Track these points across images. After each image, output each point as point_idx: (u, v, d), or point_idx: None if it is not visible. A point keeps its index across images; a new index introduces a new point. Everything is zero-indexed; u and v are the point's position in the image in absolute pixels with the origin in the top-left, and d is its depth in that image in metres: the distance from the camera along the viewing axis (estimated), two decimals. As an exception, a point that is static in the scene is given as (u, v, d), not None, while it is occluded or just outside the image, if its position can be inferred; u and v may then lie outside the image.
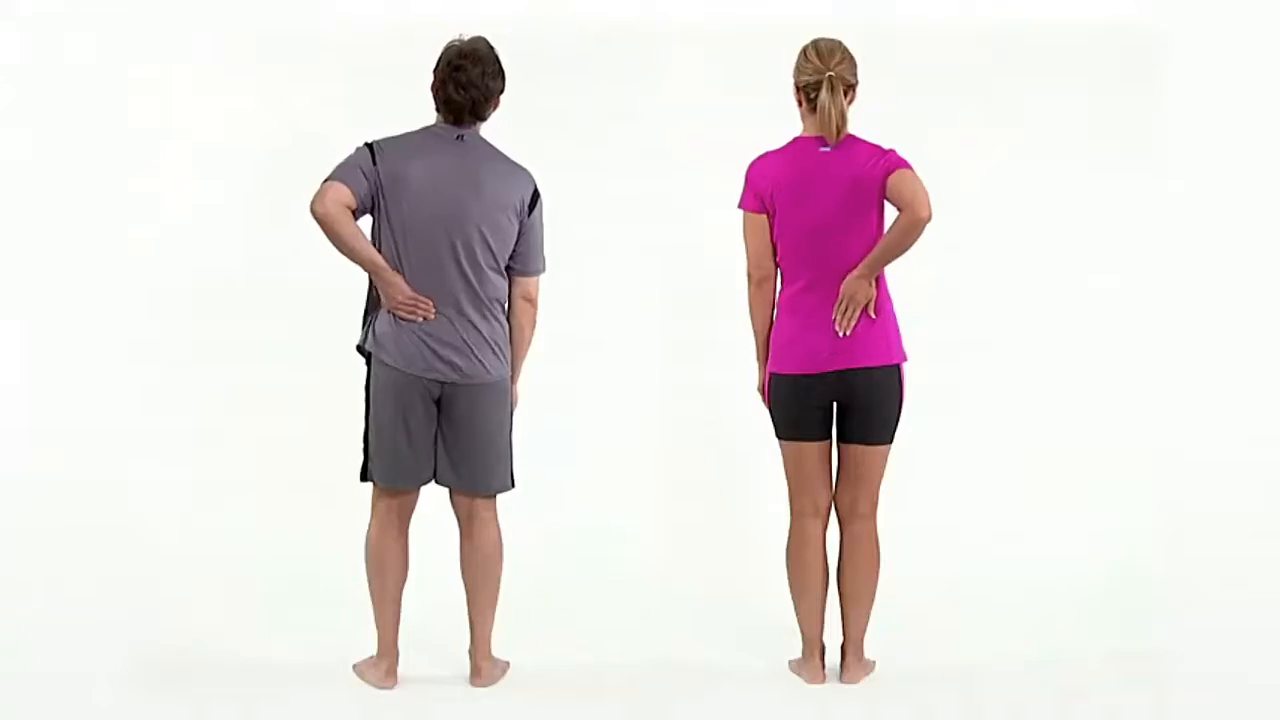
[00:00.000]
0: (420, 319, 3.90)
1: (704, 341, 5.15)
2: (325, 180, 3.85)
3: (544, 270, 4.08)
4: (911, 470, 4.46)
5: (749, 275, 4.07)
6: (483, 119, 3.98)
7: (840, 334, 3.95)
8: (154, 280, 5.09)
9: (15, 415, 4.85)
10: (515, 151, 4.02)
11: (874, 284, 3.94)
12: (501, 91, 3.95)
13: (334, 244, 3.85)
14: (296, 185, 4.03)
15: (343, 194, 3.82)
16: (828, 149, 3.94)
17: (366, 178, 3.86)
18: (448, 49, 3.93)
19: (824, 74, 3.90)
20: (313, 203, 3.80)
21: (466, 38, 3.93)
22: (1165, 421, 4.96)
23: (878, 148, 3.94)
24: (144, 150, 5.01)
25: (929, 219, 3.80)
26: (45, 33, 4.88)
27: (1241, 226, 4.88)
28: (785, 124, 4.06)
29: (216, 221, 5.20)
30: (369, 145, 3.91)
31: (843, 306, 3.94)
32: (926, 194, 3.82)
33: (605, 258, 5.23)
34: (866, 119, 4.00)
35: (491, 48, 3.94)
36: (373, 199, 3.88)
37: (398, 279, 3.89)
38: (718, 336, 4.79)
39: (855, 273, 3.92)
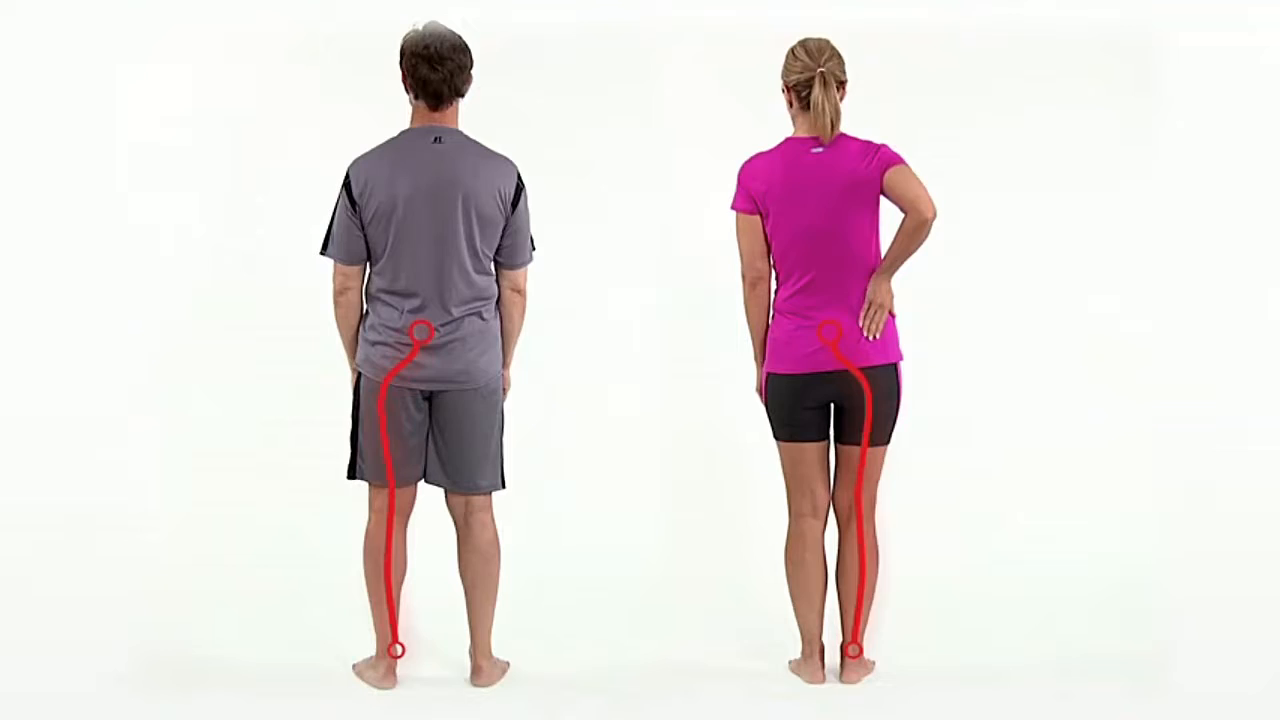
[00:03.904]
0: None
1: (704, 341, 5.15)
2: (324, 251, 3.95)
3: (531, 261, 4.04)
4: (912, 470, 4.45)
5: (743, 276, 4.07)
6: (462, 95, 3.91)
7: (869, 338, 3.96)
8: (150, 282, 5.09)
9: (14, 415, 4.84)
10: (514, 153, 3.98)
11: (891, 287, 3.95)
12: (472, 66, 3.90)
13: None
14: (293, 183, 4.03)
15: (340, 276, 3.94)
16: (820, 150, 3.93)
17: (354, 225, 3.89)
18: (406, 39, 3.87)
19: (815, 70, 3.89)
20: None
21: (420, 27, 3.87)
22: (1165, 421, 4.95)
23: (869, 144, 3.93)
24: (141, 152, 5.02)
25: (934, 217, 3.81)
26: (40, 32, 4.88)
27: (1240, 227, 4.89)
28: (784, 124, 4.06)
29: (213, 221, 5.20)
30: (346, 182, 3.90)
31: (870, 311, 3.95)
32: (926, 191, 3.82)
33: (605, 257, 5.24)
34: (865, 121, 4.00)
35: (448, 28, 3.88)
36: (364, 229, 3.89)
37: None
38: (718, 336, 4.78)
39: (876, 278, 3.93)
